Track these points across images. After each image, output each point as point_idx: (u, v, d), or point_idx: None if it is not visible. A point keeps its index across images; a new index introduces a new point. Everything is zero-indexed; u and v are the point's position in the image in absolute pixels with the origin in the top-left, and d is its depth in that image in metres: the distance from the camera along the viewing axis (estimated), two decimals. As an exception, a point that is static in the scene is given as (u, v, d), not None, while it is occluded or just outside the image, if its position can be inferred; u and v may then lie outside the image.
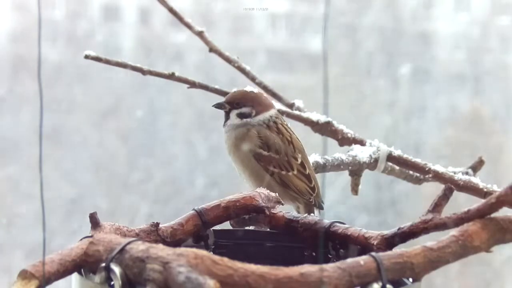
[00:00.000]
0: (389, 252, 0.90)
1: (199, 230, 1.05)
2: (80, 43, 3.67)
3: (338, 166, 1.54)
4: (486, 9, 3.85)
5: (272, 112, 1.44)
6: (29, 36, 3.43)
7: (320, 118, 1.59)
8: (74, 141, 3.66)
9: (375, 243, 0.98)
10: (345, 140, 1.60)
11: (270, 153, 1.41)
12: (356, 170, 1.57)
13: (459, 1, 3.87)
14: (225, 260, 0.83)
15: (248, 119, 1.42)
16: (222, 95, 1.61)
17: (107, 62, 1.61)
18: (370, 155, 1.56)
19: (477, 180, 1.52)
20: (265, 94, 1.51)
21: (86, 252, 0.89)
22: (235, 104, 1.43)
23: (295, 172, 1.42)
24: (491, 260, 3.41)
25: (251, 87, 1.47)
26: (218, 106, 1.44)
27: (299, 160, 1.43)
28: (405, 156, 1.58)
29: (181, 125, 3.80)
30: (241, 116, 1.42)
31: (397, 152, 1.58)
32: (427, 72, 3.78)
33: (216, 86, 1.63)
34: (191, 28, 1.70)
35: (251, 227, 1.12)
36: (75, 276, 0.90)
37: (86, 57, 1.60)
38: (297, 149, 1.43)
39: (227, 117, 1.44)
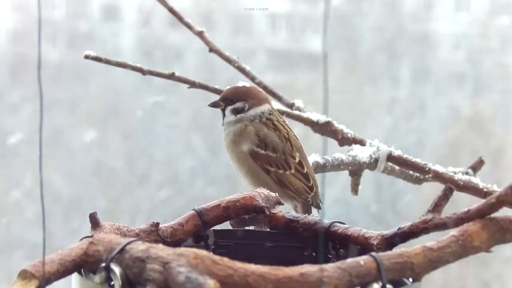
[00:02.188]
0: (389, 252, 0.90)
1: (199, 230, 1.05)
2: (80, 43, 3.67)
3: (338, 166, 1.54)
4: (486, 9, 3.85)
5: (266, 107, 1.43)
6: (29, 36, 3.43)
7: (320, 118, 1.59)
8: (74, 141, 3.66)
9: (375, 243, 0.98)
10: (345, 140, 1.60)
11: (267, 151, 1.41)
12: (356, 170, 1.57)
13: (459, 1, 3.87)
14: (225, 260, 0.83)
15: (242, 114, 1.42)
16: (222, 95, 1.61)
17: (107, 62, 1.61)
18: (370, 155, 1.56)
19: (477, 180, 1.52)
20: (259, 89, 1.51)
21: (86, 252, 0.89)
22: (228, 100, 1.43)
23: (293, 171, 1.42)
24: (491, 261, 3.41)
25: (243, 82, 1.47)
26: (213, 105, 1.45)
27: (297, 159, 1.42)
28: (405, 156, 1.58)
29: (181, 125, 3.80)
30: (235, 111, 1.42)
31: (397, 152, 1.58)
32: (427, 72, 3.78)
33: (216, 86, 1.63)
34: (191, 28, 1.70)
35: (251, 227, 1.12)
36: (75, 276, 0.90)
37: (86, 57, 1.60)
38: (295, 147, 1.43)
39: (223, 114, 1.44)
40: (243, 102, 1.42)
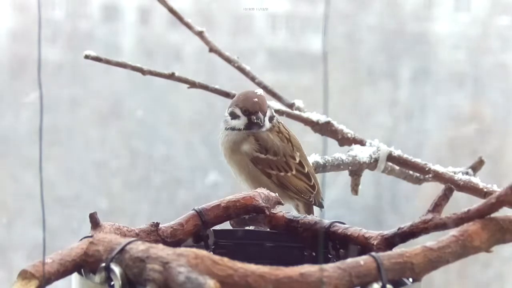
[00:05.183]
0: (389, 252, 0.90)
1: (199, 230, 1.05)
2: (80, 43, 3.67)
3: (338, 166, 1.54)
4: (486, 9, 3.84)
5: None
6: (29, 36, 3.43)
7: (320, 118, 1.59)
8: (74, 141, 3.66)
9: (375, 243, 0.98)
10: (345, 140, 1.60)
11: (268, 155, 1.41)
12: (356, 170, 1.57)
13: (459, 1, 3.87)
14: (225, 260, 0.83)
15: (274, 120, 1.43)
16: (222, 95, 1.61)
17: (107, 62, 1.61)
18: (370, 155, 1.56)
19: (477, 180, 1.52)
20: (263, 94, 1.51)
21: (86, 252, 0.89)
22: (265, 111, 1.42)
23: (294, 172, 1.42)
24: (491, 261, 3.41)
25: (260, 90, 1.45)
26: (261, 121, 1.41)
27: (297, 159, 1.42)
28: (405, 156, 1.58)
29: (181, 125, 3.80)
30: (270, 119, 1.42)
31: (397, 152, 1.58)
32: (427, 72, 3.77)
33: (216, 86, 1.63)
34: (191, 28, 1.70)
35: (251, 227, 1.12)
36: (75, 276, 0.91)
37: (86, 57, 1.60)
38: (295, 146, 1.43)
39: (259, 123, 1.40)
40: (269, 109, 1.43)
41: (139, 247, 0.86)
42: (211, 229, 1.07)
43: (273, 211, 1.08)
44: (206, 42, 1.70)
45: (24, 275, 0.86)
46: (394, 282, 0.88)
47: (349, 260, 0.86)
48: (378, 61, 3.80)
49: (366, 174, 1.59)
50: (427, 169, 1.55)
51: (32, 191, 3.25)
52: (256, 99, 1.41)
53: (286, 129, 1.44)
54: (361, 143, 1.59)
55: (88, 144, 3.67)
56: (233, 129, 1.41)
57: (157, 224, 1.02)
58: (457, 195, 1.15)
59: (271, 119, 1.42)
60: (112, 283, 0.87)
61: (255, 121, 1.40)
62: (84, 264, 0.89)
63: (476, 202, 0.94)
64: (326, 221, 1.05)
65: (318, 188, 1.43)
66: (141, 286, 0.84)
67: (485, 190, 1.48)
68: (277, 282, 0.82)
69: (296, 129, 1.50)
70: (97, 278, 0.88)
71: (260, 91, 1.45)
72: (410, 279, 0.91)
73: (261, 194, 1.09)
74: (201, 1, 3.71)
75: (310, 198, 1.42)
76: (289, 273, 0.83)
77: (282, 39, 3.92)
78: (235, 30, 3.82)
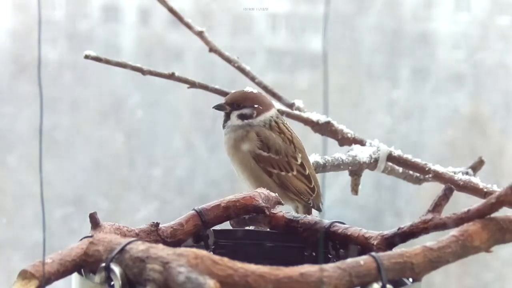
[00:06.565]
0: (389, 252, 0.90)
1: (199, 230, 1.05)
2: (80, 43, 3.67)
3: (338, 166, 1.54)
4: (486, 9, 3.84)
5: (273, 112, 1.44)
6: (29, 36, 3.43)
7: (320, 118, 1.59)
8: (74, 141, 3.66)
9: (375, 243, 0.98)
10: (345, 140, 1.60)
11: (270, 153, 1.41)
12: (356, 170, 1.57)
13: (459, 1, 3.87)
14: (225, 260, 0.83)
15: (250, 120, 1.41)
16: (222, 95, 1.61)
17: (107, 62, 1.61)
18: (370, 155, 1.56)
19: (477, 180, 1.52)
20: (264, 94, 1.51)
21: (86, 252, 0.89)
22: (235, 105, 1.42)
23: (295, 172, 1.42)
24: (491, 261, 3.41)
25: (250, 88, 1.46)
26: (218, 107, 1.43)
27: (299, 161, 1.43)
28: (405, 156, 1.58)
29: (181, 125, 3.80)
30: (242, 117, 1.42)
31: (397, 152, 1.58)
32: (427, 72, 3.77)
33: (216, 86, 1.63)
34: (191, 28, 1.70)
35: (251, 227, 1.12)
36: (75, 276, 0.91)
37: (86, 57, 1.60)
38: (298, 148, 1.43)
39: (227, 118, 1.43)
40: (251, 109, 1.42)
41: (139, 247, 0.86)
42: (211, 229, 1.07)
43: (273, 211, 1.08)
44: (206, 42, 1.70)
45: (24, 275, 0.86)
46: (394, 282, 0.88)
47: (349, 260, 0.86)
48: (378, 61, 3.80)
49: (366, 174, 1.59)
50: (427, 169, 1.55)
51: (32, 191, 3.25)
52: (235, 91, 1.44)
53: (289, 130, 1.44)
54: (361, 143, 1.59)
55: (88, 144, 3.67)
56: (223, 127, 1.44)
57: (157, 224, 1.02)
58: (457, 195, 1.15)
59: (242, 116, 1.42)
60: (112, 283, 0.87)
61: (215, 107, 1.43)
62: (84, 264, 0.89)
63: (476, 202, 0.94)
64: (326, 221, 1.05)
65: (318, 191, 1.43)
66: (141, 286, 0.84)
67: (485, 190, 1.48)
68: (277, 282, 0.82)
69: (296, 129, 1.50)
70: (97, 278, 0.88)
71: (249, 89, 1.45)
72: (410, 279, 0.91)
73: (261, 194, 1.09)
74: (201, 1, 3.71)
75: (309, 200, 1.42)
76: (289, 273, 0.83)
77: (282, 39, 3.92)
78: (235, 30, 3.82)
